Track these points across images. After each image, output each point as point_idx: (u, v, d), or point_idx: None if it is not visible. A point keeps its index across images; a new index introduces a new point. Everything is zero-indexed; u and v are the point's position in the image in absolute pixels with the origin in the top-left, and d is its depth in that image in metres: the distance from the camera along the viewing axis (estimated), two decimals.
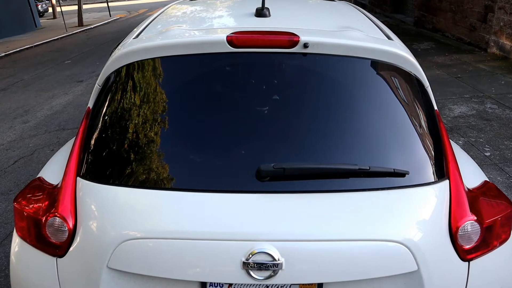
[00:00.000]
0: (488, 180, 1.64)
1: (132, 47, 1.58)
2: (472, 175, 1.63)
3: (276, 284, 1.30)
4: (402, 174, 1.37)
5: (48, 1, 25.99)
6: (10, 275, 1.57)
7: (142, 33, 1.79)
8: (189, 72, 1.53)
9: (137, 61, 1.58)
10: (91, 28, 17.23)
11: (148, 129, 1.45)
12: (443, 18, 9.20)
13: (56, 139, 5.06)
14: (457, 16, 8.59)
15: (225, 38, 1.50)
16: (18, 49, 12.66)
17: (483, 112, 4.89)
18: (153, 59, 1.56)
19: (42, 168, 1.85)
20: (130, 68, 1.59)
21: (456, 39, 8.71)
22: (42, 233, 1.43)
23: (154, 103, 1.49)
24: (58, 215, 1.39)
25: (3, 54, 11.94)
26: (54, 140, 5.02)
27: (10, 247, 3.01)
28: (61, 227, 1.39)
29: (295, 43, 1.49)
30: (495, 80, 6.04)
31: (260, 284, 1.30)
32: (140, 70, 1.57)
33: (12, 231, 3.20)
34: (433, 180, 1.41)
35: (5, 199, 3.68)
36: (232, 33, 1.52)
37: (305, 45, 1.49)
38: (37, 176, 1.70)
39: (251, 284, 1.30)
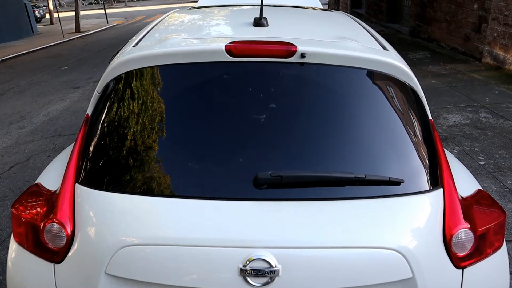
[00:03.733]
0: (481, 188, 1.66)
1: (131, 55, 1.60)
2: (465, 183, 1.65)
3: None
4: (397, 183, 1.39)
5: (45, 7, 26.02)
6: (6, 281, 1.57)
7: (141, 41, 1.81)
8: (188, 81, 1.54)
9: (136, 69, 1.60)
10: (88, 34, 17.26)
11: (147, 136, 1.47)
12: (438, 28, 9.31)
13: (52, 145, 5.06)
14: (452, 27, 8.69)
15: (223, 47, 1.52)
16: (14, 55, 12.65)
17: (477, 121, 4.94)
18: (152, 67, 1.58)
19: (38, 174, 1.86)
20: (129, 76, 1.61)
21: (451, 49, 8.81)
22: (40, 239, 1.43)
23: (153, 111, 1.51)
24: (56, 221, 1.40)
25: None
26: (50, 146, 5.01)
27: (5, 253, 2.99)
28: (59, 233, 1.40)
29: (292, 53, 1.51)
30: (489, 89, 6.10)
31: None
32: (139, 78, 1.59)
33: (7, 237, 3.18)
34: (428, 189, 1.43)
35: (0, 205, 3.67)
36: (231, 42, 1.54)
37: (302, 55, 1.52)
38: (35, 182, 1.70)
39: None
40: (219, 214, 1.32)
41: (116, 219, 1.35)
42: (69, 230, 1.40)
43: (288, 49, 1.51)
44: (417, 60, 8.20)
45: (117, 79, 1.63)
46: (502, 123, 4.85)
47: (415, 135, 1.53)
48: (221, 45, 1.53)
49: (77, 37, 16.34)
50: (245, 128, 1.44)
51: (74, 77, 9.03)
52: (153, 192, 1.38)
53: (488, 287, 1.45)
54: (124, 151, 1.45)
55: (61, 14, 22.25)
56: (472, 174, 1.81)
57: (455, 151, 4.21)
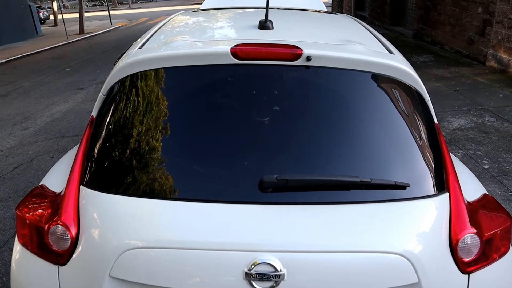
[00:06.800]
0: (487, 193, 1.65)
1: (136, 58, 1.60)
2: (471, 188, 1.64)
3: None
4: (403, 187, 1.38)
5: (49, 9, 26.15)
6: (10, 283, 1.57)
7: (146, 44, 1.81)
8: (193, 83, 1.54)
9: (141, 72, 1.60)
10: (92, 36, 17.32)
11: (151, 139, 1.46)
12: (442, 31, 9.29)
13: (56, 146, 5.07)
14: (456, 30, 8.67)
15: (229, 50, 1.52)
16: (19, 56, 12.70)
17: (481, 125, 4.93)
18: (157, 69, 1.58)
19: (41, 175, 1.86)
20: (134, 78, 1.61)
21: (455, 52, 8.79)
22: (44, 241, 1.43)
23: (158, 113, 1.51)
24: (60, 223, 1.40)
25: (4, 60, 11.98)
26: (53, 147, 5.02)
27: (8, 254, 3.00)
28: (64, 235, 1.40)
29: (298, 56, 1.51)
30: (493, 93, 6.08)
31: None
32: (144, 80, 1.59)
33: (11, 239, 3.19)
34: (434, 193, 1.42)
35: (4, 206, 3.67)
36: (236, 45, 1.54)
37: (308, 58, 1.51)
38: (40, 184, 1.70)
39: None
40: (224, 217, 1.31)
41: (120, 221, 1.34)
42: (73, 232, 1.40)
43: (293, 52, 1.51)
44: (421, 63, 8.19)
45: (122, 81, 1.63)
46: (507, 126, 4.83)
47: (421, 139, 1.52)
48: (226, 48, 1.53)
49: (81, 39, 16.40)
50: (250, 131, 1.44)
51: (78, 78, 9.06)
52: (157, 195, 1.37)
53: None
54: (129, 154, 1.45)
55: (65, 16, 22.33)
56: (477, 178, 1.80)
57: (459, 154, 4.20)
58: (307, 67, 1.54)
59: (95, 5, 41.03)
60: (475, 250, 1.39)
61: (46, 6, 29.51)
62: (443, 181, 1.47)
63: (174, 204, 1.35)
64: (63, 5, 37.65)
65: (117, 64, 1.73)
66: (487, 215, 1.48)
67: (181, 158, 1.42)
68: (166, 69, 1.57)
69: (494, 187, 3.56)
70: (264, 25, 1.84)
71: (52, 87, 8.37)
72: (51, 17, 25.23)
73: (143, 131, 1.48)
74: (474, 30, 7.99)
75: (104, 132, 1.55)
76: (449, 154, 1.59)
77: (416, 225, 1.35)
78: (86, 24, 20.11)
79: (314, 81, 1.54)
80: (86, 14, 24.53)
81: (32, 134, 5.56)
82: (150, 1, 44.83)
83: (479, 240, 1.39)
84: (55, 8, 23.01)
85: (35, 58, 12.68)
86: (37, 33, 18.55)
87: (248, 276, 1.25)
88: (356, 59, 1.54)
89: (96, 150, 1.53)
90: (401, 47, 9.42)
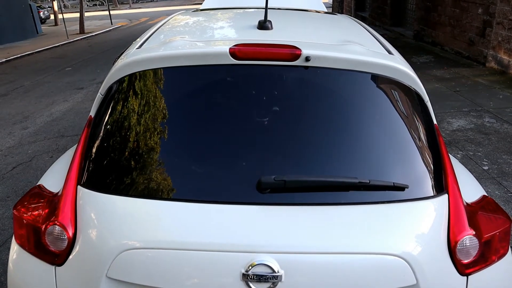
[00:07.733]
0: (486, 194, 1.65)
1: (135, 57, 1.59)
2: (470, 189, 1.64)
3: None
4: (401, 188, 1.38)
5: (50, 8, 26.17)
6: (7, 283, 1.56)
7: (145, 43, 1.81)
8: (191, 83, 1.54)
9: (139, 71, 1.60)
10: (92, 35, 17.33)
11: (150, 139, 1.46)
12: (442, 32, 9.29)
13: (55, 145, 5.06)
14: (456, 31, 8.67)
15: (227, 50, 1.52)
16: (19, 55, 12.70)
17: (481, 126, 4.92)
18: (156, 69, 1.58)
19: (40, 174, 1.85)
20: (132, 78, 1.60)
21: (455, 53, 8.79)
22: (42, 241, 1.43)
23: (156, 114, 1.50)
24: (58, 224, 1.39)
25: (4, 60, 11.97)
26: (53, 147, 5.02)
27: (6, 254, 2.99)
28: (61, 236, 1.39)
29: (297, 56, 1.51)
30: (493, 94, 6.08)
31: None
32: (142, 80, 1.58)
33: (9, 238, 3.18)
34: (432, 194, 1.42)
35: (3, 206, 3.67)
36: (235, 45, 1.53)
37: (307, 59, 1.51)
38: (37, 184, 1.70)
39: None
40: (222, 218, 1.31)
41: (118, 222, 1.34)
42: (70, 232, 1.39)
43: (292, 52, 1.50)
44: (421, 64, 8.18)
45: (121, 81, 1.62)
46: (506, 128, 4.83)
47: (420, 140, 1.52)
48: (225, 48, 1.52)
49: (81, 38, 16.40)
50: (248, 132, 1.44)
51: (78, 78, 9.06)
52: (155, 196, 1.37)
53: None
54: (127, 154, 1.45)
55: (66, 15, 22.33)
56: (476, 179, 1.80)
57: (458, 155, 4.19)
58: (306, 67, 1.53)
59: (95, 4, 41.05)
60: (474, 252, 1.39)
61: (47, 6, 29.55)
62: (442, 183, 1.47)
63: (172, 205, 1.34)
64: (64, 4, 37.69)
65: (116, 64, 1.73)
66: (486, 216, 1.47)
67: (179, 159, 1.42)
68: (165, 69, 1.57)
69: (493, 188, 3.55)
70: (263, 25, 1.83)
71: (52, 86, 8.37)
72: (52, 16, 25.24)
73: (141, 131, 1.48)
74: (474, 31, 7.99)
75: (102, 132, 1.55)
76: (448, 155, 1.58)
77: (414, 227, 1.35)
78: (86, 23, 20.11)
79: (313, 82, 1.53)
80: (86, 14, 24.54)
81: (32, 134, 5.56)
82: (151, 1, 44.85)
83: (477, 242, 1.39)
84: (56, 8, 23.02)
85: (35, 57, 12.68)
86: (37, 33, 18.54)
87: (246, 277, 1.25)
88: (355, 60, 1.53)
89: (94, 150, 1.52)
90: (401, 48, 9.42)
